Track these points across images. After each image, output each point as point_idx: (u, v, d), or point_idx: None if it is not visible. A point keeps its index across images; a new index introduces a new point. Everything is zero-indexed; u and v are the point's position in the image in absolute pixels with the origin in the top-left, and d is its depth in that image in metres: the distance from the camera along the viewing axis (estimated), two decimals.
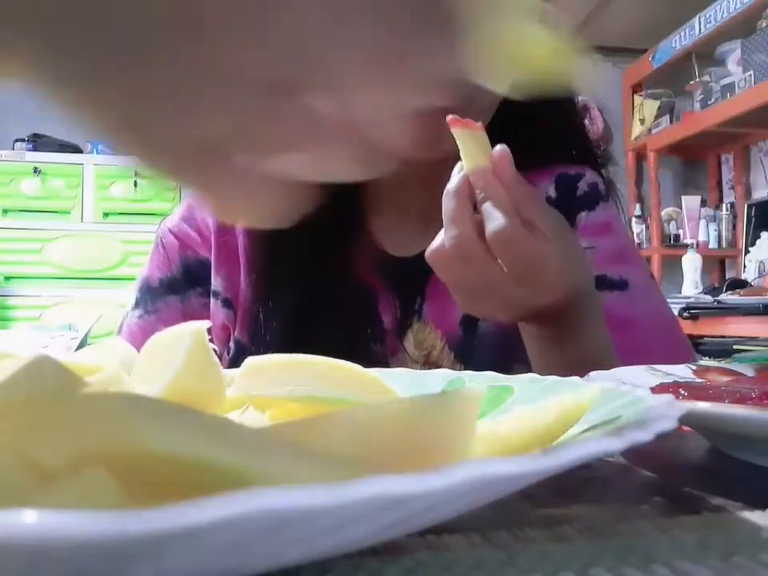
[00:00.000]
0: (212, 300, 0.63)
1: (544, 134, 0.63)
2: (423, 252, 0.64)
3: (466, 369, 0.37)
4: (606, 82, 3.22)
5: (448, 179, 0.46)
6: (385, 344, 0.61)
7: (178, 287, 0.63)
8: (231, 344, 0.63)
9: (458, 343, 0.62)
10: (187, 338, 0.23)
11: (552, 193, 0.64)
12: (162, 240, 0.65)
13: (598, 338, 0.50)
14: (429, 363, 0.61)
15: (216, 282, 0.63)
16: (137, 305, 0.63)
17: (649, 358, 0.57)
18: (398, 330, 0.61)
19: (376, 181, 0.62)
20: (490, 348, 0.61)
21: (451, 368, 0.46)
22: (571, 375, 0.44)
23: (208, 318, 0.62)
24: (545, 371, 0.51)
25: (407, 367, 0.39)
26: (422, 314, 0.62)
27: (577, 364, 0.49)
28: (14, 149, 2.73)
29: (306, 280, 0.58)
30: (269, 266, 0.60)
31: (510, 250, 0.41)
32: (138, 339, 0.58)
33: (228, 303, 0.62)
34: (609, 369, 0.51)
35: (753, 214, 2.81)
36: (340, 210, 0.59)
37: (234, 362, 0.61)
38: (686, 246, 2.96)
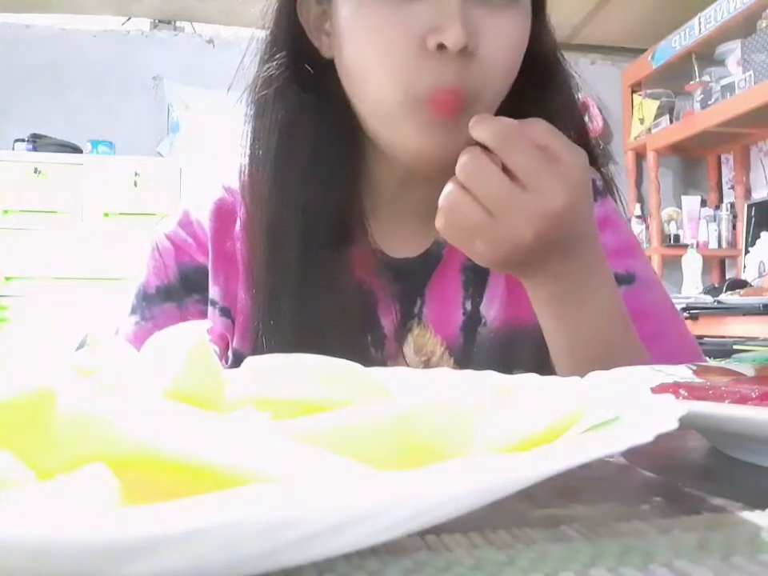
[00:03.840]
0: (210, 309, 0.61)
1: None
2: (423, 253, 0.63)
3: None
4: (606, 82, 3.22)
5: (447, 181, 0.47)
6: (384, 349, 0.60)
7: (174, 294, 0.62)
8: (229, 353, 0.62)
9: (458, 349, 0.61)
10: (187, 338, 0.23)
11: None
12: (157, 246, 0.63)
13: (608, 299, 0.50)
14: (428, 369, 0.60)
15: (213, 291, 0.61)
16: (133, 311, 0.62)
17: (661, 347, 0.56)
18: (398, 335, 0.60)
19: (375, 182, 0.61)
20: (490, 354, 0.61)
21: None
22: (581, 361, 0.45)
23: None
24: (562, 350, 0.51)
25: None
26: (422, 317, 0.61)
27: (594, 332, 0.49)
28: (14, 149, 2.72)
29: (306, 286, 0.57)
30: (270, 276, 0.58)
31: (515, 151, 0.44)
32: (134, 346, 0.57)
33: (226, 312, 0.61)
34: (629, 342, 0.52)
35: (753, 213, 2.81)
36: (340, 212, 0.58)
37: None
38: (686, 246, 2.97)
